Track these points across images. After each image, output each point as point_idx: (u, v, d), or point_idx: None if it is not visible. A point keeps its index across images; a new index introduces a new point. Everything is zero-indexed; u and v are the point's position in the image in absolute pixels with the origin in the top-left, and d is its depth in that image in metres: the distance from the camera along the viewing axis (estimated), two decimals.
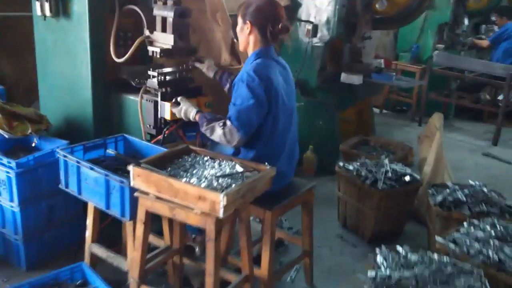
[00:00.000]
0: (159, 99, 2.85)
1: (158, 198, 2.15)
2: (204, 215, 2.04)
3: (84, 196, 2.53)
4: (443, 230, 2.80)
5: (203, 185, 2.07)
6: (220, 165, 2.32)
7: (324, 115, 4.66)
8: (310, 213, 2.79)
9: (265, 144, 2.46)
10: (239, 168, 2.23)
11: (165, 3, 2.90)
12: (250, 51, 2.55)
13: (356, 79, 4.41)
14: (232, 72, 3.05)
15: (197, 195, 2.00)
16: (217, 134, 2.39)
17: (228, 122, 2.36)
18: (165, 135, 2.89)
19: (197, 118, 2.55)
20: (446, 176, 3.82)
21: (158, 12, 2.89)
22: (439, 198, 3.08)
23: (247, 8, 2.50)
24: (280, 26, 2.47)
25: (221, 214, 1.95)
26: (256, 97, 2.34)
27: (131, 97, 3.13)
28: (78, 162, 2.48)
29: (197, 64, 3.00)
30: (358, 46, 4.63)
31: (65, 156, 2.54)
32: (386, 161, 3.47)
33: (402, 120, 6.94)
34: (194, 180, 2.11)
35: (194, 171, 2.28)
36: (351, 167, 3.51)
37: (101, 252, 2.65)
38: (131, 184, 2.20)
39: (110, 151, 2.24)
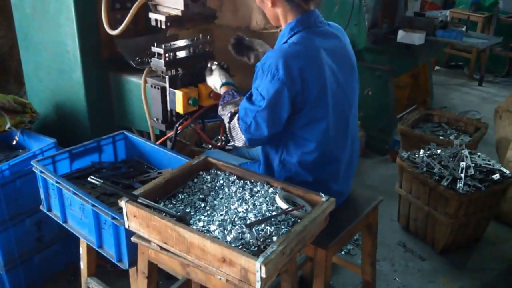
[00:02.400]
0: (167, 85, 2.12)
1: (164, 248, 1.48)
2: (233, 283, 1.35)
3: (71, 226, 1.88)
4: None
5: (229, 237, 1.36)
6: (252, 193, 1.60)
7: (375, 82, 3.83)
8: (374, 236, 2.08)
9: (306, 154, 1.73)
10: (281, 203, 1.50)
11: None
12: (282, 24, 1.76)
13: (417, 38, 3.53)
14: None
15: (220, 256, 1.30)
16: (226, 123, 1.84)
17: (235, 118, 1.77)
18: (178, 133, 2.19)
19: (221, 92, 1.97)
20: None
21: None
22: None
23: None
24: None
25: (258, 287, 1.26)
26: (269, 100, 1.62)
27: (135, 79, 2.41)
28: (58, 182, 1.80)
29: (245, 40, 2.17)
30: None
31: (42, 172, 1.87)
32: (466, 152, 2.67)
33: (458, 78, 5.97)
34: (214, 227, 1.41)
35: (216, 202, 1.58)
36: (417, 159, 2.74)
37: None
38: (126, 226, 1.52)
39: (92, 179, 1.57)
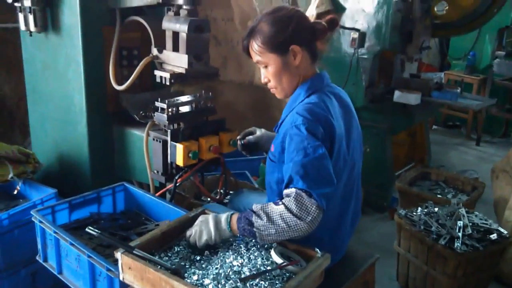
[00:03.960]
0: (168, 138, 2.18)
1: None
2: None
3: (66, 278, 1.88)
4: None
5: None
6: (247, 247, 1.61)
7: (373, 140, 3.89)
8: None
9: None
10: (276, 258, 1.51)
11: (177, 14, 2.23)
12: (296, 87, 1.74)
13: (413, 99, 3.64)
14: None
15: None
16: (276, 216, 1.45)
17: (289, 190, 1.47)
18: (177, 185, 2.22)
19: (233, 223, 1.57)
20: None
21: (168, 25, 2.22)
22: None
23: (273, 34, 1.64)
24: (325, 23, 1.71)
25: None
26: (324, 143, 1.54)
27: (138, 132, 2.47)
28: (55, 232, 1.82)
29: (249, 138, 2.09)
30: (414, 58, 3.86)
31: (41, 222, 1.89)
32: (463, 211, 2.69)
33: (455, 137, 6.06)
34: (209, 281, 1.41)
35: (212, 256, 1.58)
36: (415, 217, 2.75)
37: None
38: (120, 278, 1.52)
39: (90, 230, 1.58)
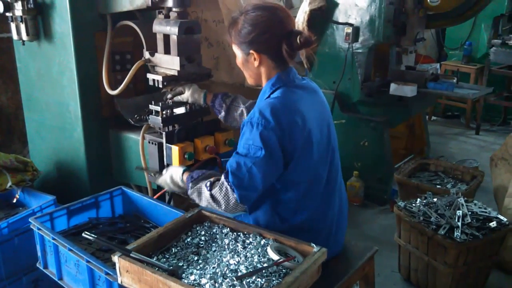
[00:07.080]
0: (163, 141, 2.19)
1: None
2: None
3: (66, 283, 1.89)
4: None
5: None
6: (244, 245, 1.62)
7: (371, 133, 3.89)
8: None
9: (297, 209, 1.76)
10: (272, 255, 1.52)
11: (167, 16, 2.23)
12: (264, 82, 1.83)
13: (409, 91, 3.63)
14: (228, 92, 2.31)
15: None
16: (204, 196, 1.75)
17: (223, 177, 1.69)
18: None
19: (184, 180, 1.89)
20: None
21: (159, 28, 2.23)
22: None
23: (241, 33, 1.74)
24: (299, 39, 1.70)
25: None
26: (269, 149, 1.63)
27: (133, 135, 2.48)
28: (54, 239, 1.83)
29: (178, 98, 2.30)
30: (409, 50, 3.86)
31: (39, 229, 1.90)
32: (462, 200, 2.69)
33: (455, 127, 6.05)
34: (206, 281, 1.42)
35: (209, 255, 1.59)
36: (414, 208, 2.75)
37: None
38: (119, 281, 1.54)
39: (86, 235, 1.60)
